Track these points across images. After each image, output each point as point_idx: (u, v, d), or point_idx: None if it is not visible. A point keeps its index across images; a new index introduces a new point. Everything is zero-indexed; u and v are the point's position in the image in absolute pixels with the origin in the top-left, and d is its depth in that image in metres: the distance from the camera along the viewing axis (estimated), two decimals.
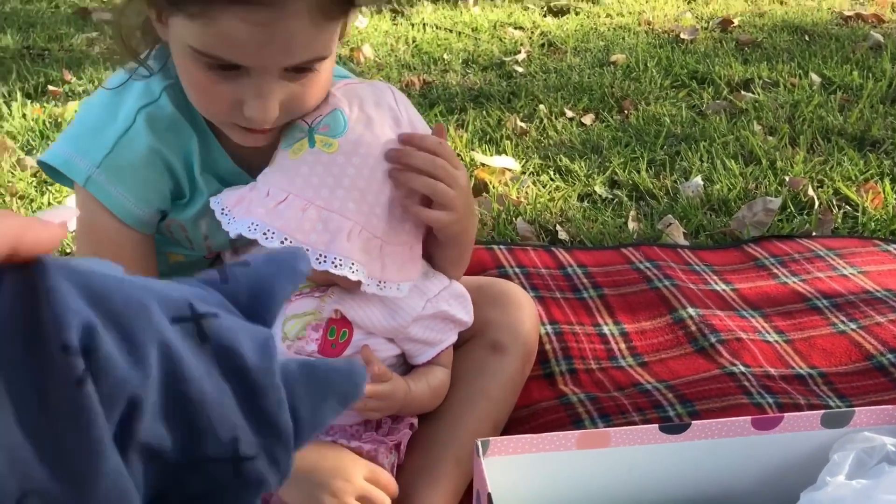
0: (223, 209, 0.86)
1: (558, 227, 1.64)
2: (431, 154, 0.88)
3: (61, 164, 0.91)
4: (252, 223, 0.82)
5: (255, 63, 0.80)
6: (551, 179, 1.84)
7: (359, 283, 0.85)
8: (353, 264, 0.83)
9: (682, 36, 2.81)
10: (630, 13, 3.14)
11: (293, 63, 0.81)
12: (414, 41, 2.80)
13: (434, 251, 0.98)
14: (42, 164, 0.94)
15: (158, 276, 0.96)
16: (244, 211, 0.84)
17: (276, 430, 0.44)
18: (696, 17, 3.08)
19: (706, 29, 2.92)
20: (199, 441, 0.41)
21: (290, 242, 0.81)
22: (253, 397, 0.42)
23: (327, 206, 0.84)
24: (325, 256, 0.82)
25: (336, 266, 0.82)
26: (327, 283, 0.93)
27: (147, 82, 0.92)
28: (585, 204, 1.75)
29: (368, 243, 0.85)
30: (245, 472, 0.44)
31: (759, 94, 2.28)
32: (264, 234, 0.81)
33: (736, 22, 2.97)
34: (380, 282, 0.86)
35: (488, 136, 2.07)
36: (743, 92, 2.31)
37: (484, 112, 2.21)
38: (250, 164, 0.95)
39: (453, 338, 1.00)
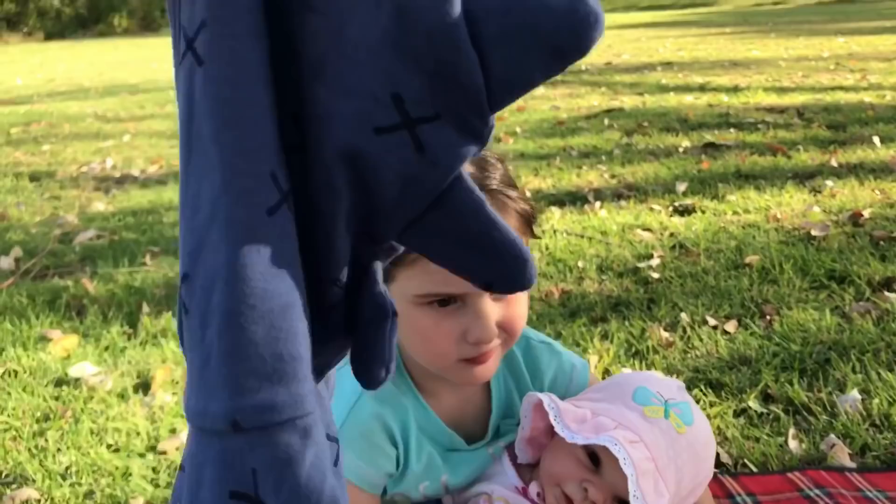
0: (563, 427, 0.99)
1: (719, 449, 1.66)
2: None
3: None
4: (615, 443, 0.95)
5: (470, 287, 0.94)
6: (704, 394, 1.87)
7: None
8: None
9: (813, 232, 2.85)
10: (756, 209, 3.22)
11: None
12: (547, 248, 2.95)
13: None
14: None
15: None
16: (591, 430, 0.97)
17: (457, 84, 0.34)
18: (825, 211, 3.13)
19: (837, 224, 2.96)
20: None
21: (635, 478, 0.93)
22: (418, 39, 0.33)
23: (661, 471, 0.97)
24: None
25: None
26: None
27: None
28: (742, 421, 1.77)
29: None
30: (427, 143, 0.35)
31: None
32: (624, 458, 0.94)
33: (866, 214, 3.00)
34: None
35: (633, 349, 2.13)
36: (886, 293, 2.32)
37: (626, 322, 2.28)
38: (457, 424, 1.09)
39: None
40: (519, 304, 1.00)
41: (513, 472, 1.08)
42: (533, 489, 1.04)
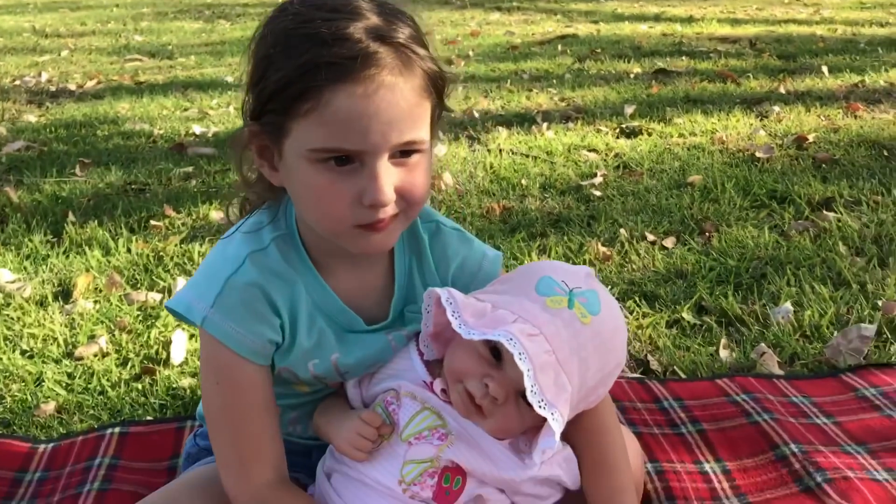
0: (461, 323, 0.94)
1: (649, 357, 1.65)
2: None
3: (184, 308, 1.01)
4: (510, 338, 0.89)
5: (366, 144, 0.89)
6: (637, 306, 1.85)
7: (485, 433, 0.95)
8: (562, 423, 0.89)
9: (757, 154, 2.84)
10: (703, 132, 3.19)
11: (399, 141, 0.90)
12: (492, 167, 2.89)
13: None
14: (169, 309, 1.04)
15: (276, 403, 1.04)
16: (489, 324, 0.92)
17: None
18: (770, 135, 3.12)
19: (781, 147, 2.95)
20: None
21: (533, 373, 0.88)
22: None
23: (563, 364, 0.91)
24: (547, 405, 0.89)
25: (554, 419, 0.88)
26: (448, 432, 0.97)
27: (258, 232, 1.01)
28: (674, 331, 1.76)
29: (569, 409, 0.93)
30: None
31: (841, 213, 2.28)
32: (520, 353, 0.88)
33: (811, 139, 2.99)
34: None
35: (571, 262, 2.10)
36: (825, 211, 2.31)
37: (565, 237, 2.25)
38: (358, 304, 1.05)
39: (559, 495, 1.02)
40: (420, 172, 0.94)
41: (422, 367, 1.03)
42: (437, 385, 1.00)
